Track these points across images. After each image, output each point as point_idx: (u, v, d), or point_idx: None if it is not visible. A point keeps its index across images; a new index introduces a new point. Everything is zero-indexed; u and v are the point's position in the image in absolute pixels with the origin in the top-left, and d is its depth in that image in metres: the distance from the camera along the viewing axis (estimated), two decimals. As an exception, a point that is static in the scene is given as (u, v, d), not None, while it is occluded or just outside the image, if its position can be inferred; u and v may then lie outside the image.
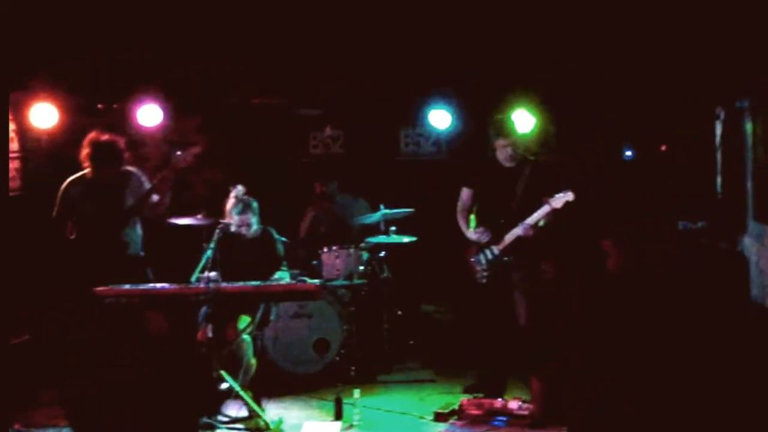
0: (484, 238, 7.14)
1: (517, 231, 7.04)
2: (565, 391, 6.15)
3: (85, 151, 7.27)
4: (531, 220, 6.99)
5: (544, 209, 6.94)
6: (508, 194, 7.13)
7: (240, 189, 7.13)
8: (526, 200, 7.07)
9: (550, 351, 6.24)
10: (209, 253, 6.50)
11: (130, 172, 7.47)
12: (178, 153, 7.22)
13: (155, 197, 7.30)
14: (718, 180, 8.96)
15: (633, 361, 4.48)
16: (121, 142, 7.35)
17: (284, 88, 8.84)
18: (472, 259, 7.24)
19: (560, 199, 6.88)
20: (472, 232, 7.23)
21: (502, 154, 7.18)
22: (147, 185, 7.41)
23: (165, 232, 7.51)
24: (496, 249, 7.14)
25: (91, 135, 7.28)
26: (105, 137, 7.27)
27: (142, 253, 7.54)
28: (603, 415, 4.33)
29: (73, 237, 7.29)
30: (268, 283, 6.68)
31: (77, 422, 6.20)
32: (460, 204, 7.37)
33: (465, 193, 7.37)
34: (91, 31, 7.68)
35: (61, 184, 7.45)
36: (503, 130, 7.19)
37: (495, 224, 7.15)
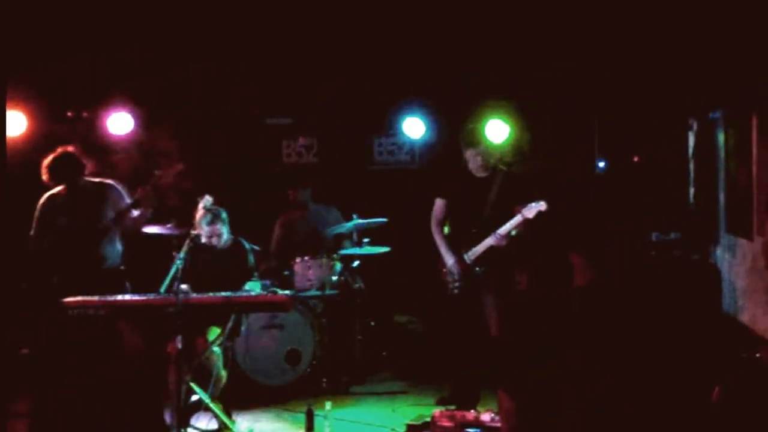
0: (455, 271, 7.11)
1: (490, 241, 7.01)
2: (533, 406, 6.11)
3: (44, 177, 7.21)
4: (503, 230, 6.96)
5: (517, 219, 6.91)
6: (480, 204, 7.09)
7: (208, 199, 7.06)
8: (498, 210, 7.04)
9: (519, 364, 6.19)
10: (179, 263, 6.41)
11: (109, 185, 7.41)
12: (159, 171, 7.15)
13: (135, 212, 7.23)
14: (691, 191, 8.99)
15: (602, 376, 4.44)
16: (73, 149, 7.28)
17: (257, 96, 8.77)
18: (445, 270, 7.19)
19: (533, 209, 6.85)
20: (448, 256, 7.18)
21: (473, 163, 7.16)
22: (126, 198, 7.36)
23: (134, 241, 7.43)
24: (468, 259, 7.10)
25: (43, 162, 7.24)
26: (54, 154, 7.22)
27: (122, 267, 7.45)
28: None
29: (47, 250, 7.22)
30: (238, 294, 6.60)
31: None
32: (433, 215, 7.32)
33: (438, 203, 7.33)
34: (60, 38, 7.60)
35: (29, 192, 7.36)
36: (472, 139, 7.16)
37: (467, 234, 7.12)
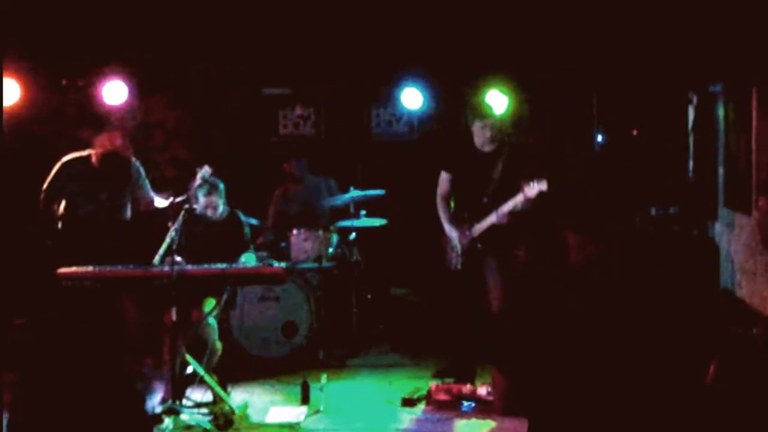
0: (462, 240, 7.06)
1: (492, 219, 6.94)
2: (526, 382, 6.10)
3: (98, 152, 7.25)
4: (505, 207, 6.88)
5: (519, 198, 6.82)
6: (485, 179, 7.02)
7: (207, 170, 7.00)
8: (502, 185, 6.95)
9: (515, 341, 6.18)
10: (174, 235, 6.38)
11: (130, 163, 7.44)
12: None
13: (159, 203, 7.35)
14: (690, 165, 8.94)
15: (597, 353, 4.43)
16: (128, 149, 7.30)
17: (253, 66, 8.70)
18: (447, 245, 7.15)
19: (534, 188, 6.75)
20: (451, 229, 7.13)
21: (481, 137, 7.06)
22: (144, 175, 7.46)
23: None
24: (470, 235, 7.05)
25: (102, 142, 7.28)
26: (116, 145, 7.24)
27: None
28: (565, 408, 4.28)
29: (60, 215, 7.20)
30: (234, 265, 6.57)
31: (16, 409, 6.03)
32: (439, 190, 7.25)
33: (443, 177, 7.25)
34: (55, 5, 7.52)
35: (25, 162, 7.33)
36: (481, 112, 7.09)
37: (472, 209, 7.06)
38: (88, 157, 7.30)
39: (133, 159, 7.48)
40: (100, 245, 7.08)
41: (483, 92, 7.92)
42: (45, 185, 7.27)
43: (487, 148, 7.09)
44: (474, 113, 7.10)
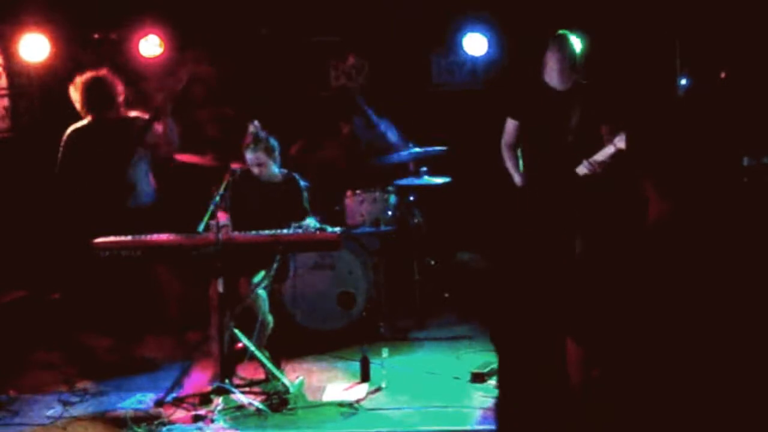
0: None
1: (582, 169, 6.66)
2: (600, 356, 5.93)
3: (76, 97, 7.10)
4: (599, 156, 6.59)
5: (610, 149, 6.53)
6: (561, 124, 6.77)
7: (253, 126, 6.90)
8: (582, 132, 6.70)
9: (590, 308, 5.98)
10: (217, 200, 6.28)
11: (134, 119, 7.33)
12: (170, 76, 7.05)
13: (158, 128, 7.14)
14: (787, 109, 8.72)
15: (674, 326, 4.24)
16: (110, 75, 7.16)
17: (300, 12, 8.58)
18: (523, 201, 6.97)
19: (623, 138, 6.48)
20: (522, 180, 6.93)
21: (553, 61, 6.77)
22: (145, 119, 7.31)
23: (171, 176, 7.36)
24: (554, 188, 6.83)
25: (76, 80, 7.16)
26: (90, 76, 7.11)
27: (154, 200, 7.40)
28: (642, 383, 4.11)
29: (78, 188, 7.18)
30: (283, 231, 6.45)
31: None
32: (504, 138, 7.03)
33: (510, 125, 7.01)
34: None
35: (55, 122, 7.31)
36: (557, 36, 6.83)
37: (546, 161, 6.84)
38: (89, 123, 7.21)
39: (136, 113, 7.35)
40: (123, 215, 7.03)
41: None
42: (57, 164, 7.24)
43: (561, 85, 6.81)
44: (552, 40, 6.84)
